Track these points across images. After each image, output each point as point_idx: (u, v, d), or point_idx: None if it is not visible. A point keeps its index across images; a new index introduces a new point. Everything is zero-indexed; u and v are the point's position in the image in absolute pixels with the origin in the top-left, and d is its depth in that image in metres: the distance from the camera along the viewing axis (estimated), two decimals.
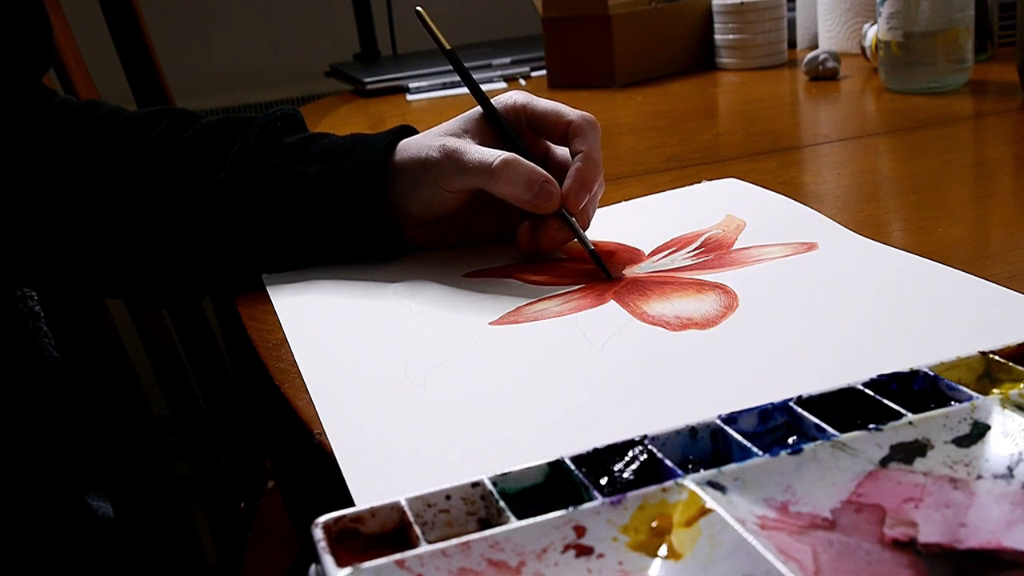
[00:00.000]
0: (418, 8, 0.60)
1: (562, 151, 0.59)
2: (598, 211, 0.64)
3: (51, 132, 0.63)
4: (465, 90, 1.22)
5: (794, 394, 0.33)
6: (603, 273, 0.53)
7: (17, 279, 0.71)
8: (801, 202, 0.60)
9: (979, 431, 0.31)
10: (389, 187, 0.57)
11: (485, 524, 0.29)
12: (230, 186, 0.57)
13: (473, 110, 0.58)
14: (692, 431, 0.32)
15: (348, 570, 0.26)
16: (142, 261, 0.61)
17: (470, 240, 0.60)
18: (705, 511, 0.28)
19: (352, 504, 0.33)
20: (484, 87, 1.23)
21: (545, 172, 0.54)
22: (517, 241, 0.57)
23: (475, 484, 0.30)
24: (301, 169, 0.57)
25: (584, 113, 0.56)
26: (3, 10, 0.65)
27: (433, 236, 0.59)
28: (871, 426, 0.31)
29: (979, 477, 0.29)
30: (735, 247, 0.54)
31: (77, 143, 0.61)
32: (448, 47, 0.60)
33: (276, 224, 0.57)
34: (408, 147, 0.57)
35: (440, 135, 0.57)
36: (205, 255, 0.59)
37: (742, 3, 1.16)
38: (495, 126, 0.57)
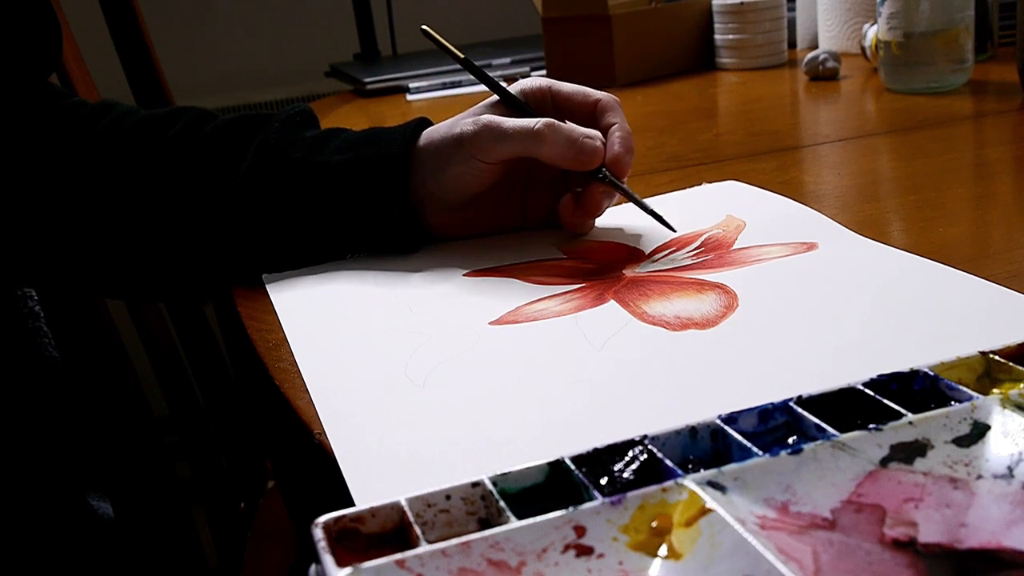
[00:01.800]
0: (424, 27, 0.61)
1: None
2: None
3: (65, 131, 0.63)
4: (466, 90, 1.22)
5: (794, 394, 0.33)
6: (666, 227, 0.56)
7: (24, 279, 0.71)
8: (801, 202, 0.60)
9: (979, 431, 0.31)
10: (414, 173, 0.57)
11: (485, 524, 0.29)
12: (252, 177, 0.58)
13: (491, 98, 0.59)
14: (692, 431, 0.32)
15: (348, 570, 0.26)
16: (163, 255, 0.61)
17: (492, 228, 0.60)
18: (705, 511, 0.28)
19: (352, 504, 0.33)
20: (484, 87, 1.23)
21: (585, 129, 0.55)
22: (561, 216, 0.58)
23: (475, 484, 0.30)
24: (324, 159, 0.58)
25: (608, 93, 0.59)
26: (12, 8, 0.65)
27: (457, 224, 0.59)
28: (871, 426, 0.31)
29: (979, 477, 0.29)
30: (735, 247, 0.54)
31: (97, 140, 0.62)
32: (462, 56, 0.61)
33: (299, 213, 0.58)
34: (435, 131, 0.58)
35: (468, 115, 0.58)
36: (227, 247, 0.59)
37: (742, 3, 1.16)
38: (516, 108, 0.58)
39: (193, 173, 0.59)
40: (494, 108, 0.58)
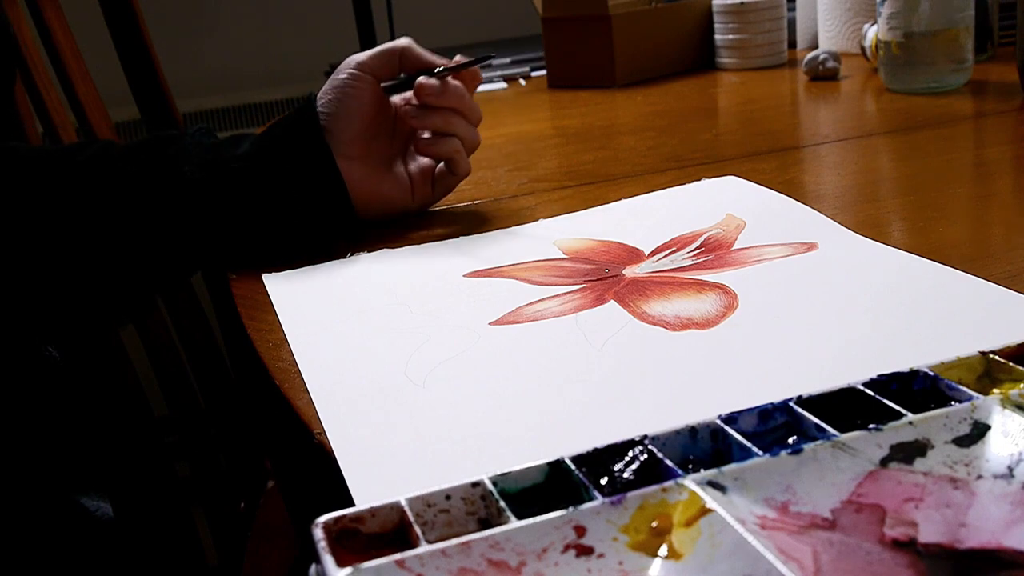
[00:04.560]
0: (384, 85, 0.67)
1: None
2: (597, 210, 0.65)
3: None
4: None
5: (794, 394, 0.33)
6: (482, 60, 0.65)
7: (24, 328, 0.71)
8: (801, 202, 0.60)
9: (979, 431, 0.31)
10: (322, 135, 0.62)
11: (485, 524, 0.29)
12: (177, 182, 0.59)
13: None
14: (692, 431, 0.32)
15: (348, 570, 0.26)
16: (91, 275, 0.60)
17: (380, 163, 0.65)
18: (705, 511, 0.28)
19: (352, 504, 0.33)
20: (484, 87, 1.23)
21: None
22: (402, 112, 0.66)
23: (475, 484, 0.30)
24: (241, 152, 0.62)
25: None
26: None
27: (367, 167, 0.64)
28: (871, 426, 0.31)
29: (979, 477, 0.29)
30: (735, 247, 0.54)
31: (13, 167, 0.61)
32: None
33: (237, 210, 0.60)
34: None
35: None
36: (147, 257, 0.60)
37: (742, 3, 1.16)
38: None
39: (116, 186, 0.59)
40: None
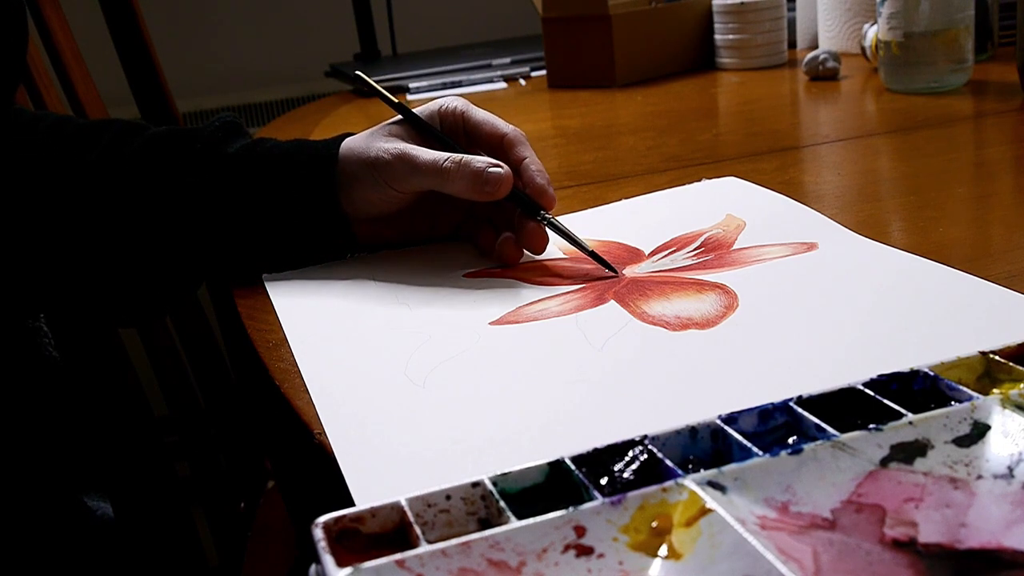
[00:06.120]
0: (357, 72, 0.63)
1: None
2: (597, 210, 0.65)
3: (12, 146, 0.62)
4: (466, 90, 1.22)
5: (794, 394, 0.33)
6: (607, 270, 0.53)
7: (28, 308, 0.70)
8: (801, 202, 0.60)
9: (979, 431, 0.31)
10: (337, 184, 0.58)
11: (485, 524, 0.29)
12: (176, 201, 0.58)
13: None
14: (692, 431, 0.32)
15: (348, 570, 0.26)
16: (91, 276, 0.60)
17: (402, 240, 0.61)
18: (705, 511, 0.28)
19: (352, 504, 0.33)
20: (484, 87, 1.23)
21: (490, 159, 0.56)
22: (503, 254, 0.57)
23: (475, 484, 0.30)
24: (242, 189, 0.58)
25: (516, 127, 0.59)
26: None
27: (369, 233, 0.60)
28: (871, 426, 0.31)
29: (979, 477, 0.29)
30: (735, 247, 0.54)
31: (31, 156, 0.60)
32: (395, 101, 0.62)
33: (227, 233, 0.58)
34: (353, 147, 0.58)
35: (385, 136, 0.58)
36: (145, 268, 0.59)
37: (742, 3, 1.16)
38: (434, 138, 0.59)
39: (119, 194, 0.58)
40: (405, 127, 0.59)
